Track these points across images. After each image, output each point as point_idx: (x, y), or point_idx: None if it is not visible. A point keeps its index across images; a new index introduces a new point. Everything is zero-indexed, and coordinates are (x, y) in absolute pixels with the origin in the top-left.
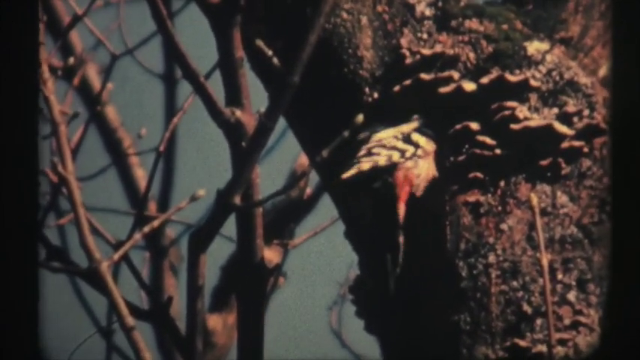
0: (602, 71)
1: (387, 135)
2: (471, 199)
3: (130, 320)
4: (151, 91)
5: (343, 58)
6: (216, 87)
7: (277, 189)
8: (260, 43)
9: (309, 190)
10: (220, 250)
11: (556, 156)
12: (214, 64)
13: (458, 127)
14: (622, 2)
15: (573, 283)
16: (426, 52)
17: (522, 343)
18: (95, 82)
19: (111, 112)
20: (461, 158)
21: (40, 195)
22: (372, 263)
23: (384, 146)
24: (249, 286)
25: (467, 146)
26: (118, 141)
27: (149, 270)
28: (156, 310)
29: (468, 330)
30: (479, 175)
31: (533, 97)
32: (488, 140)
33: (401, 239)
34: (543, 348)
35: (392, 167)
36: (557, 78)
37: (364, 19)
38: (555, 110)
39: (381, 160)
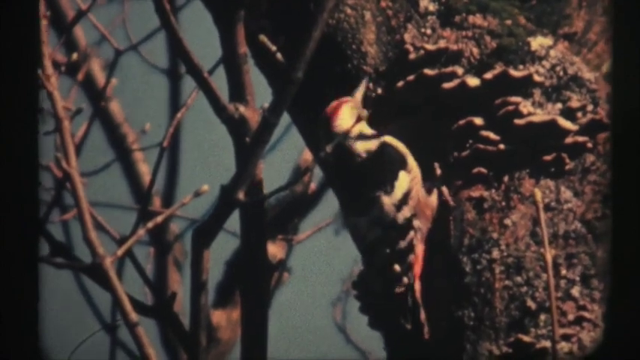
0: (606, 66)
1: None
2: (475, 194)
3: (134, 316)
4: (155, 86)
5: (347, 53)
6: (220, 82)
7: (281, 184)
8: (264, 38)
9: (313, 186)
10: (224, 246)
11: (560, 151)
12: (218, 59)
13: (462, 122)
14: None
15: (577, 278)
16: (430, 47)
17: (526, 338)
18: (99, 77)
19: (115, 108)
20: (465, 154)
21: (40, 193)
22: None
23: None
24: (253, 282)
25: (471, 141)
26: (122, 136)
27: (153, 265)
28: (160, 306)
29: (471, 325)
30: (483, 170)
31: (537, 93)
32: (492, 135)
33: (423, 317)
34: (547, 343)
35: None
36: (561, 73)
37: (368, 15)
38: (559, 105)
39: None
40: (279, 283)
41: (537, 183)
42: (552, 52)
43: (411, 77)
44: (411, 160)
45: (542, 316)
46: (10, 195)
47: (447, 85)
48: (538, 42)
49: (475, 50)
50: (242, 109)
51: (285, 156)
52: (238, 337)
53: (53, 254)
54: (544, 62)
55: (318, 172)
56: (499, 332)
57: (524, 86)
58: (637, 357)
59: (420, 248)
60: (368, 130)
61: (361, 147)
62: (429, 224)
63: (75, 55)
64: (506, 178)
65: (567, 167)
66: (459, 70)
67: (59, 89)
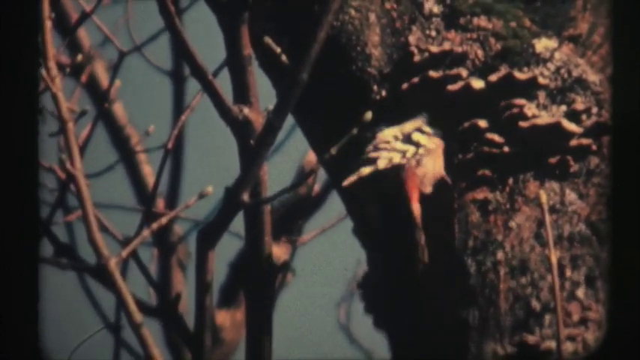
0: (611, 69)
1: (388, 134)
2: (480, 196)
3: (139, 317)
4: (159, 88)
5: (351, 55)
6: (224, 84)
7: (285, 186)
8: (268, 40)
9: (317, 188)
10: (229, 247)
11: (564, 153)
12: (222, 61)
13: (466, 124)
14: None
15: (582, 279)
16: (435, 49)
17: (531, 339)
18: (103, 79)
19: (119, 110)
20: (469, 156)
21: (45, 192)
22: (381, 257)
23: (383, 149)
24: (257, 283)
25: (475, 144)
26: (126, 138)
27: (157, 266)
28: (164, 307)
29: (476, 326)
30: (487, 172)
31: (542, 95)
32: (497, 138)
33: (422, 239)
34: (552, 344)
35: (394, 170)
36: (566, 75)
37: (372, 17)
38: (564, 108)
39: (381, 164)
40: (283, 284)
41: (542, 185)
42: (557, 55)
43: (415, 79)
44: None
45: (547, 317)
46: (10, 195)
47: (451, 88)
48: (543, 44)
49: (480, 52)
50: (246, 111)
51: (290, 158)
52: (242, 337)
53: (57, 255)
54: (549, 64)
55: (322, 174)
56: (504, 333)
57: (529, 88)
58: (638, 357)
59: (415, 167)
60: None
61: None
62: (436, 162)
63: (79, 57)
64: (510, 181)
65: (572, 170)
66: (464, 72)
67: (63, 91)
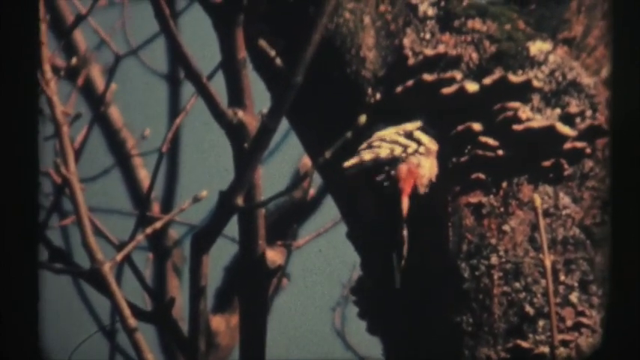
0: (605, 72)
1: (389, 132)
2: (474, 200)
3: (133, 321)
4: (155, 91)
5: (346, 58)
6: (219, 88)
7: (280, 190)
8: (263, 43)
9: (312, 191)
10: (223, 251)
11: (558, 157)
12: (217, 64)
13: (460, 127)
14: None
15: (576, 284)
16: (429, 52)
17: (525, 344)
18: (99, 82)
19: (114, 113)
20: (463, 159)
21: (40, 196)
22: (375, 260)
23: (385, 140)
24: (251, 288)
25: (469, 147)
26: (122, 141)
27: (152, 271)
28: (158, 312)
29: (470, 331)
30: (481, 176)
31: (536, 98)
32: (491, 141)
33: (405, 233)
34: (546, 349)
35: (394, 161)
36: (560, 78)
37: (367, 19)
38: (558, 111)
39: (383, 153)
40: (278, 288)
41: (536, 189)
42: (551, 57)
43: (409, 82)
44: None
45: (541, 322)
46: (10, 196)
47: (445, 91)
48: (537, 47)
49: (474, 55)
50: (241, 114)
51: (284, 161)
52: (237, 342)
53: (52, 260)
54: (543, 67)
55: (317, 178)
56: (497, 338)
57: (523, 91)
58: None
59: (414, 166)
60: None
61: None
62: (432, 165)
63: (74, 60)
64: (504, 184)
65: (566, 173)
66: (458, 75)
67: (58, 94)
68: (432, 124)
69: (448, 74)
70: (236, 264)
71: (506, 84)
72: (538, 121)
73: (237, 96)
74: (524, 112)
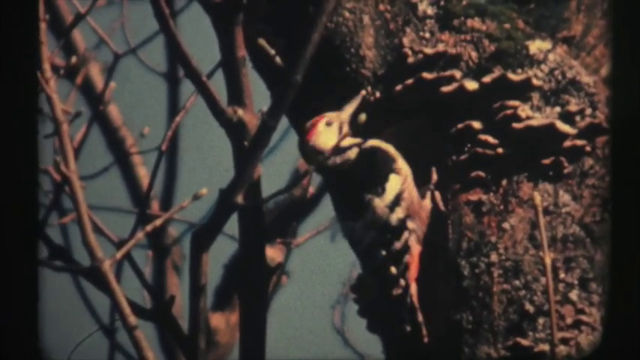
0: (605, 70)
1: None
2: (473, 198)
3: (133, 319)
4: (154, 90)
5: (345, 57)
6: (218, 86)
7: (280, 188)
8: (262, 42)
9: (311, 189)
10: (223, 249)
11: (558, 155)
12: (217, 63)
13: (460, 126)
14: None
15: (575, 282)
16: (429, 51)
17: (524, 342)
18: (98, 81)
19: (113, 111)
20: (463, 157)
21: (40, 194)
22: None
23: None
24: (251, 285)
25: (469, 145)
26: (121, 140)
27: (152, 269)
28: (158, 309)
29: (470, 329)
30: (481, 174)
31: (536, 96)
32: (491, 139)
33: (420, 319)
34: (545, 347)
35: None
36: (560, 77)
37: (366, 18)
38: (557, 109)
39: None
40: (277, 286)
41: (536, 187)
42: (551, 56)
43: (409, 81)
44: (400, 162)
45: (541, 320)
46: (9, 195)
47: (445, 89)
48: (536, 46)
49: (473, 54)
50: (240, 112)
51: (284, 159)
52: (237, 340)
53: (52, 257)
54: (542, 66)
55: (316, 176)
56: (497, 336)
57: (523, 90)
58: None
59: (415, 250)
60: (346, 142)
61: (340, 160)
62: (424, 227)
63: (74, 59)
64: (504, 182)
65: (566, 171)
66: (458, 74)
67: (58, 93)
68: (432, 123)
69: (447, 73)
70: (236, 262)
71: (505, 82)
72: (538, 120)
73: (236, 94)
74: (524, 110)
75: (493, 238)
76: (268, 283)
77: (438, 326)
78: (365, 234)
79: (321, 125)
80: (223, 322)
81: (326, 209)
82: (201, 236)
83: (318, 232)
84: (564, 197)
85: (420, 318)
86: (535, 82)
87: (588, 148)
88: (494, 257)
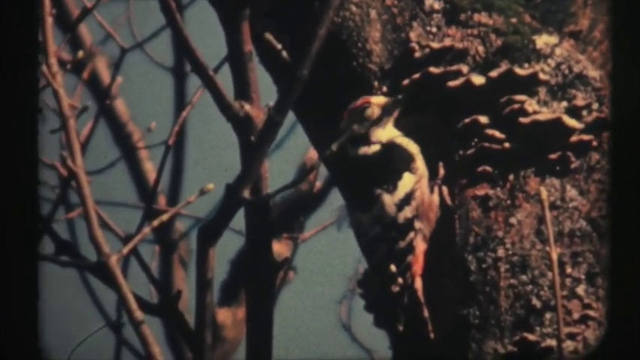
0: (610, 66)
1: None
2: (480, 192)
3: (139, 314)
4: (161, 84)
5: (352, 51)
6: (225, 81)
7: (287, 183)
8: (269, 36)
9: (318, 184)
10: (230, 244)
11: (565, 149)
12: (223, 57)
13: (467, 120)
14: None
15: (582, 276)
16: (435, 45)
17: (531, 337)
18: (104, 75)
19: (120, 106)
20: (470, 152)
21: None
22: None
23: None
24: (258, 281)
25: (476, 140)
26: (128, 135)
27: (158, 264)
28: (165, 304)
29: (477, 324)
30: (488, 168)
31: (542, 91)
32: (498, 134)
33: (426, 315)
34: (552, 342)
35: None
36: (566, 71)
37: (373, 13)
38: (564, 104)
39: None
40: (284, 281)
41: (542, 181)
42: (557, 51)
43: (416, 75)
44: (419, 163)
45: (548, 315)
46: (10, 193)
47: (452, 84)
48: (543, 40)
49: (480, 48)
50: (247, 107)
51: (291, 154)
52: (244, 335)
53: (58, 253)
54: (549, 60)
55: (323, 171)
56: (504, 331)
57: (530, 84)
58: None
59: (421, 248)
60: (384, 135)
61: (376, 135)
62: (431, 227)
63: (80, 53)
64: (511, 177)
65: (572, 166)
66: (464, 69)
67: (64, 87)
68: (439, 117)
69: (454, 67)
70: (242, 257)
71: (512, 77)
72: (544, 114)
73: (243, 89)
74: (531, 104)
75: (500, 233)
76: (275, 278)
77: (445, 322)
78: (371, 228)
79: (377, 100)
80: (230, 318)
81: (333, 204)
82: (208, 231)
83: (325, 227)
84: (571, 192)
85: (426, 314)
86: (542, 76)
87: (595, 143)
88: (501, 252)
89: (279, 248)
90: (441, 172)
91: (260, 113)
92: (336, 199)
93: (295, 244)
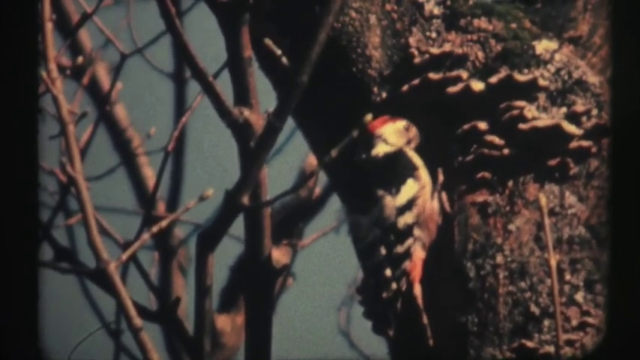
0: (610, 70)
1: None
2: (479, 199)
3: (138, 321)
4: (161, 90)
5: (352, 57)
6: (224, 86)
7: (286, 189)
8: (269, 42)
9: (317, 190)
10: (229, 251)
11: (564, 156)
12: (223, 63)
13: (466, 126)
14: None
15: (581, 283)
16: (435, 51)
17: (530, 344)
18: (104, 81)
19: (120, 112)
20: (469, 158)
21: (45, 194)
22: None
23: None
24: (257, 287)
25: (475, 146)
26: (127, 140)
27: (157, 270)
28: (164, 311)
29: (475, 331)
30: (487, 175)
31: (542, 97)
32: (497, 140)
33: (425, 321)
34: (551, 349)
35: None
36: (566, 77)
37: (373, 18)
38: (564, 110)
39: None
40: (283, 288)
41: (542, 188)
42: (557, 56)
43: (415, 81)
44: (423, 173)
45: (546, 322)
46: (10, 196)
47: (451, 90)
48: (543, 46)
49: (480, 54)
50: (247, 113)
51: (290, 160)
52: (242, 342)
53: (57, 259)
54: (549, 66)
55: (322, 177)
56: (502, 338)
57: (529, 90)
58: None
59: (419, 256)
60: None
61: (381, 149)
62: (432, 237)
63: (80, 59)
64: (510, 183)
65: (572, 172)
66: (464, 74)
67: (64, 93)
68: (438, 123)
69: (454, 73)
70: (241, 263)
71: (512, 83)
72: (544, 120)
73: (243, 95)
74: (530, 110)
75: (499, 240)
76: (274, 284)
77: (443, 328)
78: (370, 231)
79: (400, 123)
80: (229, 324)
81: (332, 211)
82: (207, 237)
83: (324, 234)
84: (570, 198)
85: (426, 320)
86: (541, 82)
87: (594, 149)
88: (499, 259)
89: (279, 255)
90: (441, 177)
91: (259, 119)
92: (335, 206)
93: (294, 250)
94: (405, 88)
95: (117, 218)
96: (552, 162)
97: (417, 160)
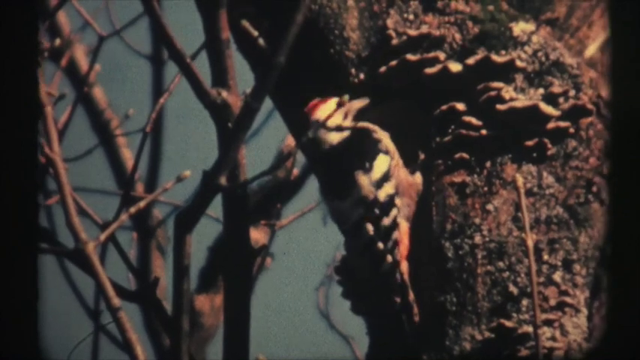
0: (588, 52)
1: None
2: (457, 179)
3: (117, 301)
4: (139, 71)
5: (329, 38)
6: (202, 68)
7: (264, 169)
8: (246, 23)
9: (295, 171)
10: (207, 231)
11: (542, 136)
12: (201, 44)
13: (444, 107)
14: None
15: (559, 263)
16: (412, 32)
17: (508, 323)
18: (83, 63)
19: (98, 93)
20: (447, 139)
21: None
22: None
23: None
24: (235, 267)
25: (453, 127)
26: (106, 122)
27: (136, 251)
28: (142, 291)
29: (453, 310)
30: (465, 155)
31: (519, 78)
32: (474, 121)
33: (412, 298)
34: (529, 328)
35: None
36: (543, 59)
37: (350, 0)
38: (541, 91)
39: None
40: (261, 268)
41: (519, 168)
42: (534, 38)
43: (393, 63)
44: (386, 142)
45: (525, 302)
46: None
47: (429, 71)
48: (520, 27)
49: (457, 36)
50: (224, 94)
51: (268, 141)
52: (221, 322)
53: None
54: (526, 48)
55: (300, 158)
56: (481, 317)
57: (507, 71)
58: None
59: (404, 226)
60: (346, 123)
61: (334, 137)
62: (413, 204)
63: (58, 41)
64: (488, 164)
65: (549, 152)
66: (442, 56)
67: (42, 75)
68: (416, 104)
69: (431, 54)
70: (220, 244)
71: (489, 64)
72: (521, 101)
73: (220, 76)
74: (508, 91)
75: (477, 220)
76: (252, 265)
77: (422, 308)
78: (353, 211)
79: (332, 102)
80: (208, 304)
81: (310, 191)
82: (185, 218)
83: (303, 214)
84: (548, 179)
85: (412, 297)
86: (519, 63)
87: (572, 130)
88: (478, 239)
89: (257, 235)
90: (422, 156)
91: (237, 100)
92: (313, 186)
93: (272, 230)
94: (383, 69)
95: (96, 199)
96: (530, 143)
97: (379, 131)
